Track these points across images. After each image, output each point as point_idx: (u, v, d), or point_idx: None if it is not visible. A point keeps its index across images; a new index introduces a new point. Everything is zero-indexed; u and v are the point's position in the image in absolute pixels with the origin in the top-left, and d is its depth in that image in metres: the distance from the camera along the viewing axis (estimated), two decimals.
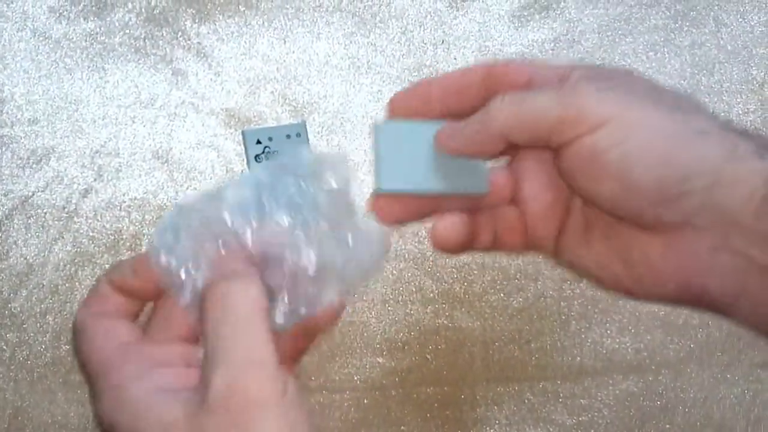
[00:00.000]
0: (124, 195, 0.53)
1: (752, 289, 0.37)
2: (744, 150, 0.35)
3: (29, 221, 0.52)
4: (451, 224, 0.38)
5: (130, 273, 0.36)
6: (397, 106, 0.39)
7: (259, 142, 0.51)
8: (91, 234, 0.52)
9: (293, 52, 0.53)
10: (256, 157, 0.51)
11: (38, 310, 0.52)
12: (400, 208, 0.38)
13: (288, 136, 0.52)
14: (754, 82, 0.54)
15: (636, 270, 0.39)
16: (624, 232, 0.38)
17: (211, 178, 0.52)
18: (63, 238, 0.52)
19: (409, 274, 0.53)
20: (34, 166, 0.52)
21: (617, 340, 0.53)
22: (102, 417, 0.36)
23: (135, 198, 0.52)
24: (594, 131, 0.34)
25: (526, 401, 0.53)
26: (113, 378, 0.36)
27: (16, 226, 0.52)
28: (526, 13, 0.53)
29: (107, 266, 0.52)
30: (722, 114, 0.52)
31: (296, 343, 0.36)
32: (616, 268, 0.40)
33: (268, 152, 0.51)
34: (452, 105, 0.39)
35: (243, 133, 0.51)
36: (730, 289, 0.37)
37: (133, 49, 0.53)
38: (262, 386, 0.33)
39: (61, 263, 0.52)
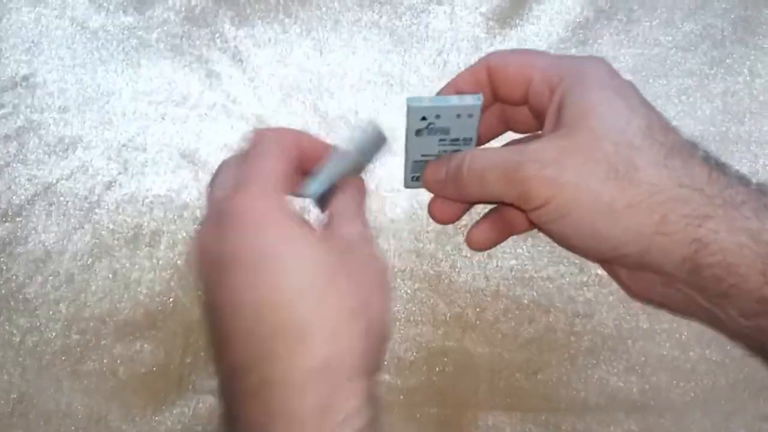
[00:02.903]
0: (147, 191, 0.53)
1: (700, 316, 0.41)
2: (676, 218, 0.38)
3: (51, 208, 0.52)
4: (482, 231, 0.49)
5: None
6: None
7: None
8: (111, 227, 0.52)
9: (328, 64, 0.53)
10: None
11: (52, 297, 0.52)
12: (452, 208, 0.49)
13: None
14: None
15: (615, 275, 0.47)
16: None
17: None
18: (83, 228, 0.52)
19: (423, 295, 0.53)
20: (60, 153, 0.52)
21: (623, 379, 0.53)
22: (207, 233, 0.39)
23: (158, 195, 0.53)
24: (539, 209, 0.40)
25: (527, 431, 0.53)
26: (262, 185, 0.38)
27: (37, 212, 0.52)
28: (563, 47, 0.53)
29: (125, 260, 0.52)
30: (748, 164, 0.52)
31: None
32: (604, 266, 0.49)
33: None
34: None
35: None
36: (684, 312, 0.43)
37: (169, 47, 0.53)
38: (261, 203, 0.37)
39: (79, 253, 0.52)
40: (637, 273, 0.44)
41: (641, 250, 0.39)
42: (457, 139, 0.45)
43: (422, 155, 0.47)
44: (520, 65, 0.44)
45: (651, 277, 0.42)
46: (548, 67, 0.43)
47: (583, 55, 0.46)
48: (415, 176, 0.49)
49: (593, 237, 0.39)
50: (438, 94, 0.47)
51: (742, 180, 0.40)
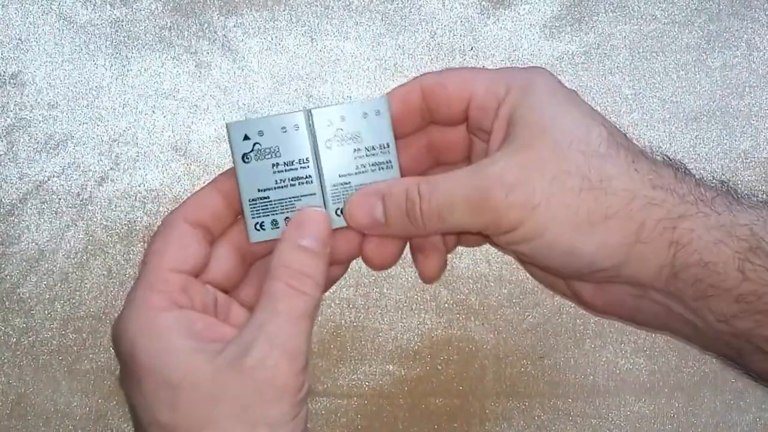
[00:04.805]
0: (139, 185, 0.52)
1: (674, 326, 0.40)
2: (653, 223, 0.37)
3: (43, 206, 0.51)
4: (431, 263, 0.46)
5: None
6: None
7: (247, 137, 0.42)
8: (104, 223, 0.52)
9: (320, 50, 0.52)
10: (244, 156, 0.42)
11: (47, 296, 0.51)
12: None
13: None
14: None
15: (574, 294, 0.45)
16: None
17: None
18: (76, 225, 0.51)
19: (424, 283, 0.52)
20: (51, 150, 0.52)
21: (631, 361, 0.52)
22: (121, 326, 0.38)
23: (151, 189, 0.52)
24: (509, 233, 0.38)
25: (536, 418, 0.52)
26: (149, 296, 0.38)
27: (29, 210, 0.51)
28: (558, 24, 0.52)
29: (119, 257, 0.51)
30: (750, 139, 0.52)
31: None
32: (560, 287, 0.46)
33: (259, 150, 0.42)
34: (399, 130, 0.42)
35: (227, 126, 0.42)
36: (655, 324, 0.42)
37: (157, 39, 0.52)
38: (288, 375, 0.37)
39: (73, 251, 0.51)
40: (606, 288, 0.42)
41: (619, 262, 0.38)
42: (373, 147, 0.42)
43: (339, 175, 0.42)
44: (460, 82, 0.42)
45: (622, 290, 0.41)
46: (492, 80, 0.41)
47: (528, 66, 0.44)
48: (338, 209, 0.42)
49: (569, 254, 0.38)
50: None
51: (704, 181, 0.40)
